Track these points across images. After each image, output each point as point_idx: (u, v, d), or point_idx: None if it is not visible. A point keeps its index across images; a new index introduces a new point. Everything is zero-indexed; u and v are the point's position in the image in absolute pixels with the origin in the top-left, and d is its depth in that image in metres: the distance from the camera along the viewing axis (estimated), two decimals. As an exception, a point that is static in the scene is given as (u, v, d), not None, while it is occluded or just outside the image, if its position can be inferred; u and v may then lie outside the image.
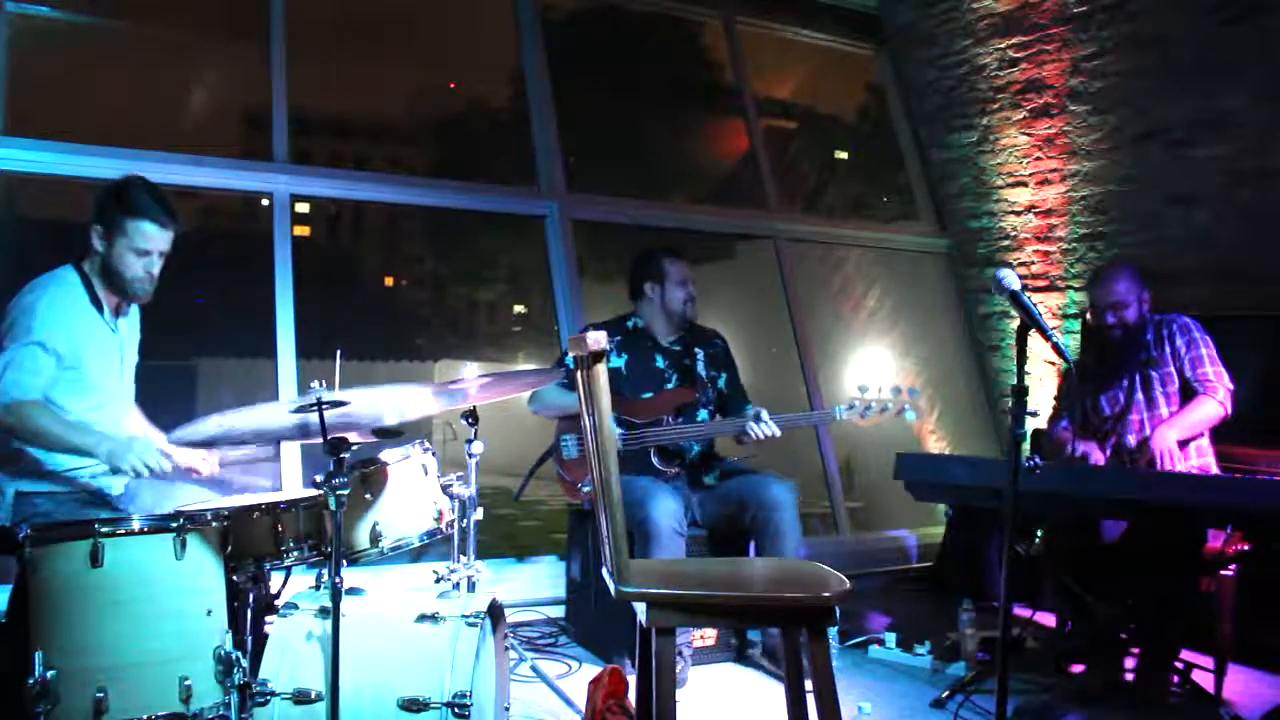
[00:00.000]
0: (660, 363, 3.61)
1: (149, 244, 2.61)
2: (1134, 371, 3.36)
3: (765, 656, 3.40)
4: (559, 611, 3.94)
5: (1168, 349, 3.33)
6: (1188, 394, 3.28)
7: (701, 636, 3.43)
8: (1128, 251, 4.85)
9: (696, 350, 3.66)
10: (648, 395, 3.52)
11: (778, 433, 3.33)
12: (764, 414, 3.33)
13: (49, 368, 2.50)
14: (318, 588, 2.29)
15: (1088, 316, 3.49)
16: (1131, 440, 3.32)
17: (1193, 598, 3.04)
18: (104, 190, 2.65)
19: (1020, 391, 2.18)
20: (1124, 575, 3.16)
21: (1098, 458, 3.32)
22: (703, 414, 3.56)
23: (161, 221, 2.62)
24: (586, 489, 3.41)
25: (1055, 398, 3.72)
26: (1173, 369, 3.31)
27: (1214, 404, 3.22)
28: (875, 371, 5.80)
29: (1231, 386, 3.25)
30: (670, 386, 3.58)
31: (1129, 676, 3.30)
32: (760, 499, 3.29)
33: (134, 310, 2.82)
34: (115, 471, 2.50)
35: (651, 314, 3.63)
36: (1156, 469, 3.12)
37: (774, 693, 3.17)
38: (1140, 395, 3.35)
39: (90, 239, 2.62)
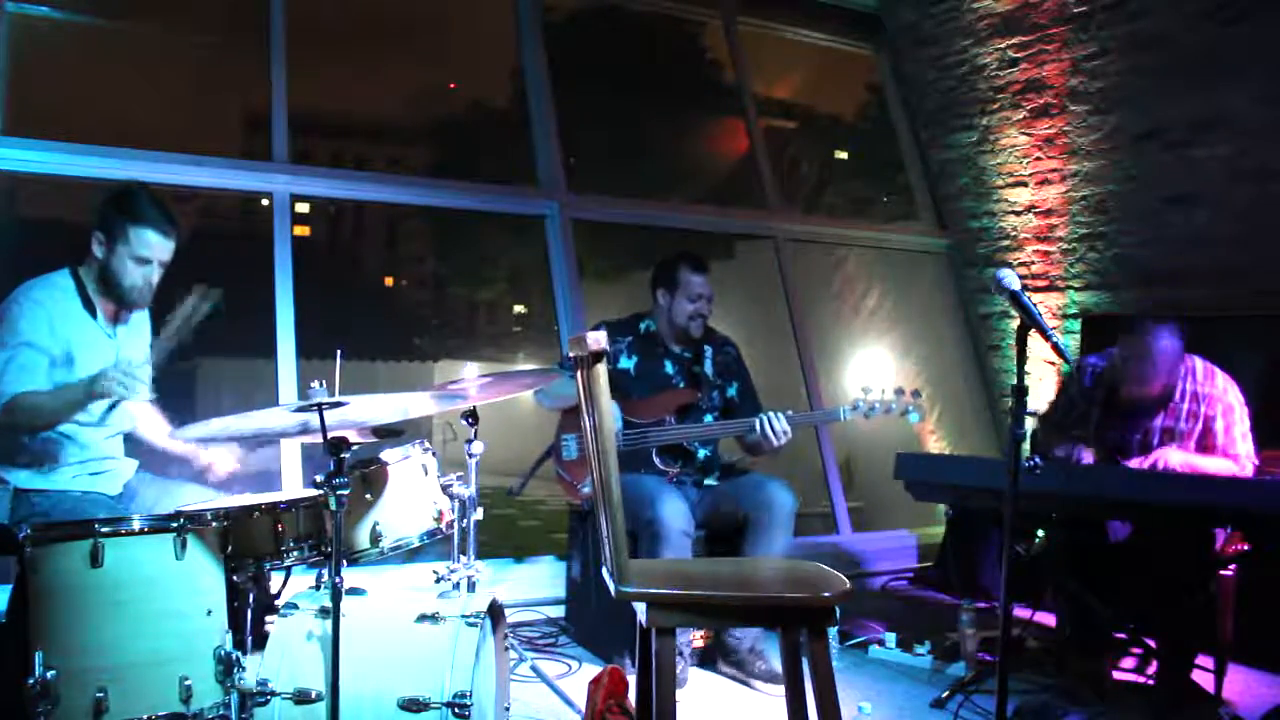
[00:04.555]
0: (669, 368, 3.58)
1: (150, 252, 2.61)
2: (1146, 430, 3.22)
3: (730, 665, 3.35)
4: (559, 611, 3.94)
5: (1200, 425, 3.14)
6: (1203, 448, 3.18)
7: (703, 637, 3.43)
8: (1128, 251, 4.85)
9: (706, 347, 3.62)
10: (650, 395, 3.52)
11: (788, 430, 3.29)
12: (774, 413, 3.30)
13: (43, 366, 2.50)
14: (318, 588, 2.28)
15: (1112, 374, 3.23)
16: None
17: (1205, 598, 3.00)
18: (106, 197, 2.64)
19: (1020, 391, 2.18)
20: (1131, 576, 3.15)
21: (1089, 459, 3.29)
22: (707, 418, 3.53)
23: (164, 230, 2.61)
24: (586, 489, 3.40)
25: (1052, 404, 3.59)
26: (1193, 444, 3.15)
27: (1234, 469, 3.10)
28: (876, 372, 5.81)
29: (1257, 462, 3.13)
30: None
31: (1131, 677, 3.31)
32: (757, 498, 3.28)
33: (138, 318, 2.80)
34: (101, 398, 2.44)
35: (661, 320, 3.59)
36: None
37: (741, 695, 3.17)
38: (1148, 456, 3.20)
39: (90, 244, 2.61)
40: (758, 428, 3.29)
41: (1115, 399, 3.26)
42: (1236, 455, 3.12)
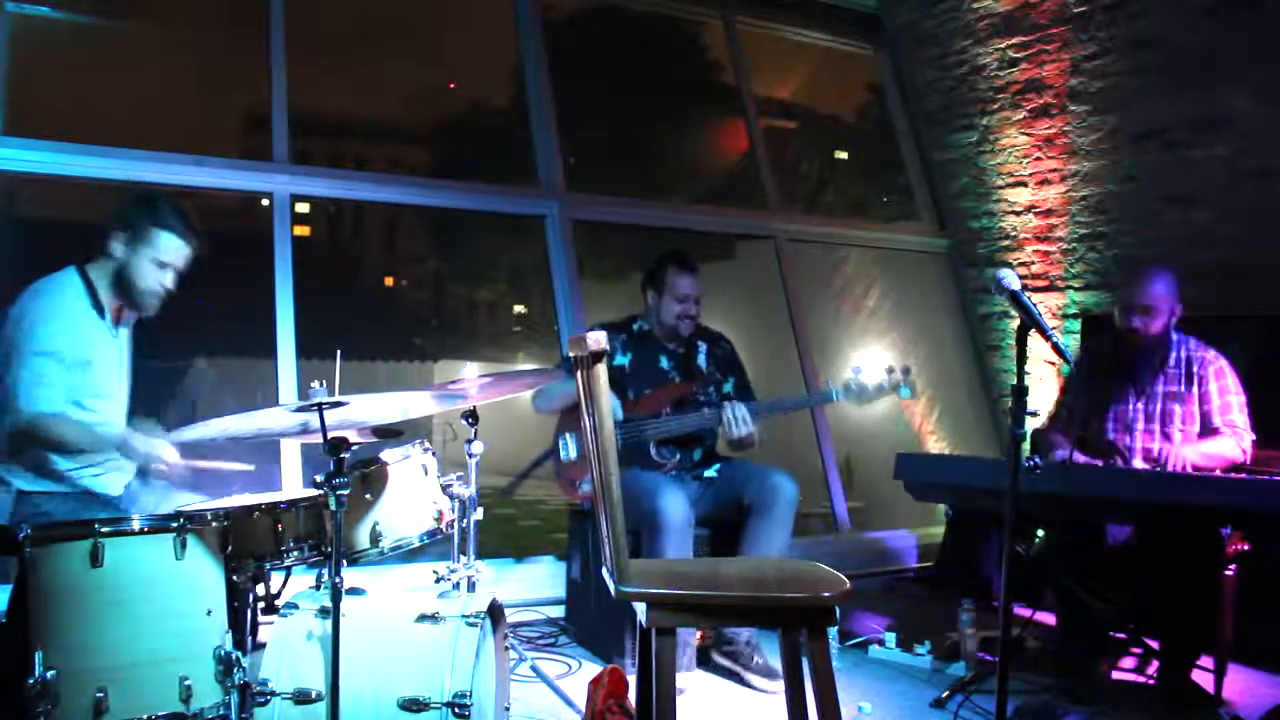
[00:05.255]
0: (664, 363, 3.61)
1: (170, 257, 2.62)
2: (1148, 395, 3.27)
3: (726, 656, 3.34)
4: (559, 611, 3.94)
5: (1196, 389, 3.21)
6: (1205, 434, 3.22)
7: (701, 637, 3.43)
8: (1128, 251, 4.85)
9: (700, 343, 3.66)
10: (646, 392, 3.53)
11: (747, 418, 3.30)
12: (738, 405, 3.32)
13: (62, 376, 2.51)
14: (318, 588, 2.29)
15: (1115, 319, 3.34)
16: (1138, 465, 3.25)
17: (1206, 598, 2.99)
18: (132, 198, 2.66)
19: (1020, 391, 2.18)
20: (1131, 576, 3.15)
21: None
22: (704, 412, 3.55)
23: (186, 237, 2.64)
24: (586, 488, 3.41)
25: (1057, 402, 3.66)
26: (1196, 409, 3.22)
27: (1237, 448, 3.16)
28: (869, 355, 5.81)
29: (1254, 437, 3.20)
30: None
31: (1131, 677, 3.31)
32: (759, 485, 3.29)
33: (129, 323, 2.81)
34: (122, 457, 2.54)
35: (652, 320, 3.63)
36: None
37: (738, 694, 3.17)
38: (1156, 425, 3.26)
39: (109, 244, 2.61)
40: (723, 421, 3.32)
41: (1119, 352, 3.30)
42: (1234, 424, 3.19)
